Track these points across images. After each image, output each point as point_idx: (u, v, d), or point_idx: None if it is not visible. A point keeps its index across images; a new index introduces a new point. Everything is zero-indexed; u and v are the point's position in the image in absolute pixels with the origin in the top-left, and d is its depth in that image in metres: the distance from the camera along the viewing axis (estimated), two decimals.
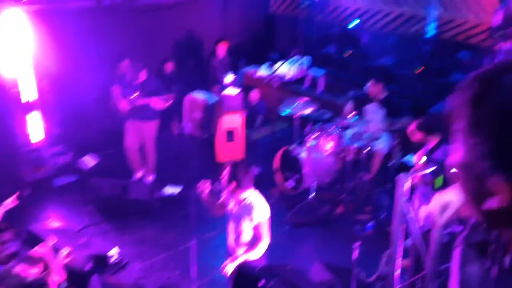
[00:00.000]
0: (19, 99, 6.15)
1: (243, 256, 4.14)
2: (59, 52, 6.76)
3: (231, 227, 4.34)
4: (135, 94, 6.36)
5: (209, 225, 6.02)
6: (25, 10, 5.93)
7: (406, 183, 3.91)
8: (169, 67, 8.48)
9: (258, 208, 4.09)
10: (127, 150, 6.80)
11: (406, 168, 5.41)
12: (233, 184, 4.03)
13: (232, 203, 4.25)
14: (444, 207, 1.80)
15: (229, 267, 4.07)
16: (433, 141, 4.91)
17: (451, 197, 1.79)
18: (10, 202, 5.04)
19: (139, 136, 6.71)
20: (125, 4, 8.04)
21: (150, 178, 6.93)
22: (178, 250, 5.60)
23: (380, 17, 8.57)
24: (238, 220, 4.19)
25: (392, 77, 8.14)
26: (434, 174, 4.83)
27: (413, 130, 5.00)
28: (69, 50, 7.10)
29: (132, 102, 6.37)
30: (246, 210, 4.08)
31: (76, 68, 7.38)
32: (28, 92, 6.20)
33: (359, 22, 8.53)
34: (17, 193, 5.17)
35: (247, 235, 4.17)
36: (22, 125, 6.27)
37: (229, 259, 4.13)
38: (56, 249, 4.55)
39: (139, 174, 6.92)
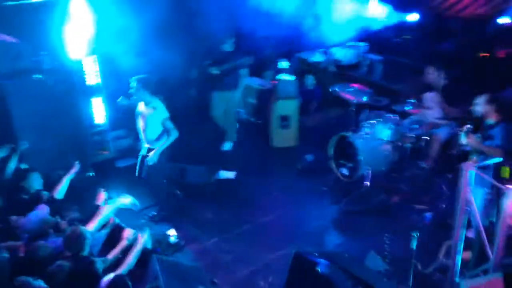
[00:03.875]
0: (84, 83, 6.41)
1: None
2: (120, 37, 6.96)
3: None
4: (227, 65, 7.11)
5: (264, 210, 6.10)
6: None
7: (470, 171, 3.78)
8: None
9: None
10: (216, 118, 7.62)
11: (467, 156, 5.21)
12: None
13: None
14: None
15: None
16: (493, 118, 4.78)
17: None
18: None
19: (225, 105, 7.44)
20: None
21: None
22: (233, 234, 5.69)
23: None
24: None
25: (454, 63, 7.81)
26: (499, 163, 4.66)
27: (485, 102, 4.88)
28: (130, 34, 7.27)
29: (222, 72, 7.13)
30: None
31: (136, 52, 7.57)
32: (92, 76, 6.46)
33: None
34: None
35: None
36: (87, 108, 6.54)
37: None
38: (119, 228, 4.77)
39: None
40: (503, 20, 7.19)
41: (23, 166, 5.37)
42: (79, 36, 6.19)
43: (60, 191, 5.14)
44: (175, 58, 7.92)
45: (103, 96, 6.65)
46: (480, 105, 4.96)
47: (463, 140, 4.88)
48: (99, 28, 6.37)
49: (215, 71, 7.20)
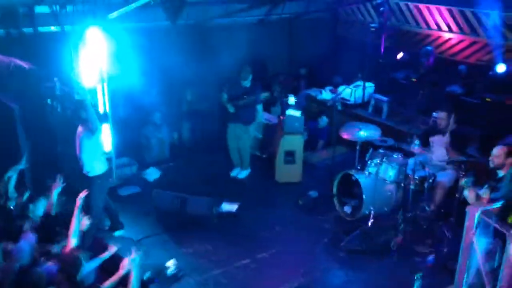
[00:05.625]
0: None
1: None
2: (133, 68, 7.12)
3: None
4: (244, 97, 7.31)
5: (264, 245, 6.04)
6: (105, 28, 6.32)
7: (476, 216, 3.76)
8: None
9: None
10: (230, 150, 7.81)
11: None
12: None
13: None
14: None
15: None
16: (504, 171, 4.76)
17: None
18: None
19: (238, 137, 7.60)
20: (197, 23, 8.36)
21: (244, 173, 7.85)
22: (232, 267, 5.64)
23: (453, 44, 8.33)
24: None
25: (460, 106, 7.87)
26: (505, 209, 4.62)
27: (502, 153, 4.88)
28: (142, 65, 7.42)
29: (237, 105, 7.32)
30: None
31: (147, 83, 7.70)
32: (102, 104, 6.56)
33: (430, 48, 8.32)
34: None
35: None
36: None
37: None
38: (118, 257, 4.73)
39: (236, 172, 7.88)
40: (500, 68, 7.40)
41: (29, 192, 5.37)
42: (92, 65, 6.33)
43: (54, 206, 5.15)
44: (187, 90, 8.13)
45: (110, 123, 6.72)
46: (499, 157, 4.95)
47: (464, 193, 4.85)
48: (112, 57, 6.53)
49: (231, 108, 7.38)
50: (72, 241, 4.53)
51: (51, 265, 4.20)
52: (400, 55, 8.68)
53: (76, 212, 4.70)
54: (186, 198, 6.35)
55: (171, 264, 5.41)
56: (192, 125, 8.84)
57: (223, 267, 5.62)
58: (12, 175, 5.33)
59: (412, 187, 6.19)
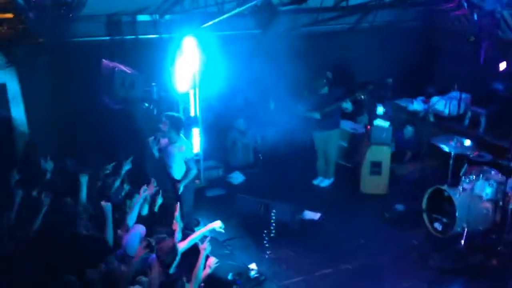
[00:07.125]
0: (188, 114, 6.81)
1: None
2: (222, 74, 7.35)
3: None
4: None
5: (347, 256, 5.92)
6: (199, 36, 6.61)
7: None
8: None
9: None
10: (318, 157, 7.81)
11: None
12: None
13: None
14: None
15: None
16: None
17: None
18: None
19: (325, 144, 7.61)
20: (287, 32, 8.43)
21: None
22: (314, 276, 5.58)
23: None
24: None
25: None
26: None
27: None
28: (230, 72, 7.63)
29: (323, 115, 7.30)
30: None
31: (234, 89, 7.91)
32: (193, 108, 6.85)
33: None
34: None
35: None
36: (186, 137, 6.91)
37: None
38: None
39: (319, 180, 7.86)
40: None
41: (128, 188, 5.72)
42: (187, 71, 6.63)
43: (144, 208, 5.36)
44: (271, 98, 8.23)
45: (200, 127, 6.98)
46: None
47: None
48: (204, 64, 6.80)
49: (316, 115, 7.33)
50: (176, 235, 4.72)
51: (153, 256, 4.44)
52: (502, 66, 8.12)
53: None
54: (270, 203, 6.40)
55: (253, 267, 5.47)
56: (276, 132, 8.91)
57: (305, 275, 5.58)
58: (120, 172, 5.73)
59: (511, 206, 5.75)
